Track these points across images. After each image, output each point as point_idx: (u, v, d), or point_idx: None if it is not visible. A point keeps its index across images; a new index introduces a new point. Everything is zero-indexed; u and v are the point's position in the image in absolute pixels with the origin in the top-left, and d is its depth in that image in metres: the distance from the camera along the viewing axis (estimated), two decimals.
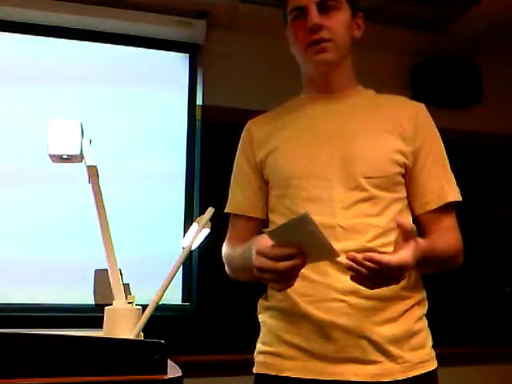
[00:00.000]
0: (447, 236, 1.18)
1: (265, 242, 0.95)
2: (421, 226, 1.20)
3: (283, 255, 0.92)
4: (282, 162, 1.20)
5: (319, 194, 1.14)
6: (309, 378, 1.09)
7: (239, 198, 1.29)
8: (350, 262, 0.92)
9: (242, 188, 1.29)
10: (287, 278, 0.94)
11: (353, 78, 1.29)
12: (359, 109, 1.23)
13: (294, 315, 1.13)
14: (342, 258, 0.96)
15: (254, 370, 1.21)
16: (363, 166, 1.14)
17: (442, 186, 1.19)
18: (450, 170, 1.23)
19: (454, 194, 1.20)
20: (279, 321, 1.16)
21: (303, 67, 1.28)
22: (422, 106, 1.25)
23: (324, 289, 1.07)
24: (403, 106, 1.25)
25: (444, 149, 1.23)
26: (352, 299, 1.07)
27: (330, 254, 0.93)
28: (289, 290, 1.10)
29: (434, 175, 1.19)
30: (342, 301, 1.08)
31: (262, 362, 1.18)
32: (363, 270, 0.91)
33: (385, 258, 0.92)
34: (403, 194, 1.19)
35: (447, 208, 1.20)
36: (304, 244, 0.91)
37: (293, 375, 1.10)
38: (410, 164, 1.18)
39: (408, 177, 1.19)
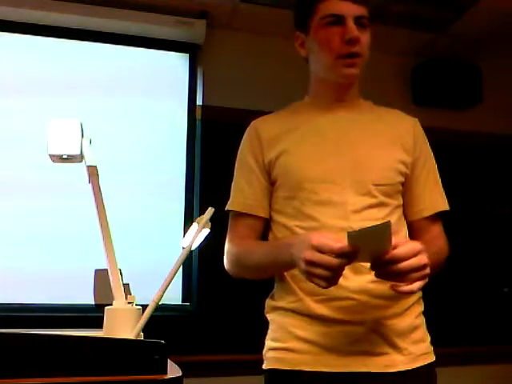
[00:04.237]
0: (438, 242, 1.26)
1: (320, 238, 0.97)
2: (414, 232, 1.28)
3: (341, 252, 0.94)
4: (294, 165, 1.23)
5: (331, 197, 1.18)
6: (321, 370, 1.13)
7: (248, 195, 1.28)
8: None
9: (252, 186, 1.28)
10: (336, 274, 0.96)
11: (358, 91, 1.34)
12: (364, 120, 1.28)
13: (305, 315, 1.17)
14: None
15: (265, 367, 1.23)
16: (373, 174, 1.20)
17: (435, 195, 1.29)
18: (440, 180, 1.31)
19: (444, 204, 1.30)
20: (290, 318, 1.19)
21: (322, 72, 1.28)
22: (417, 120, 1.34)
23: (335, 288, 1.08)
24: (401, 119, 1.33)
25: (434, 160, 1.32)
26: (363, 297, 1.13)
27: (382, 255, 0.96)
28: (298, 289, 1.17)
29: (428, 185, 1.28)
30: (354, 299, 1.13)
31: (274, 358, 1.20)
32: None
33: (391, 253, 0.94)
34: (401, 201, 1.27)
35: (437, 216, 1.29)
36: (364, 247, 0.93)
37: (306, 369, 1.14)
38: (409, 173, 1.26)
39: (405, 185, 1.26)
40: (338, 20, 1.20)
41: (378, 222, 1.15)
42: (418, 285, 0.97)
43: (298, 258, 1.01)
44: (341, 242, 0.94)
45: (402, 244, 0.96)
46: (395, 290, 0.97)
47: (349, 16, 1.20)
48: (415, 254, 0.95)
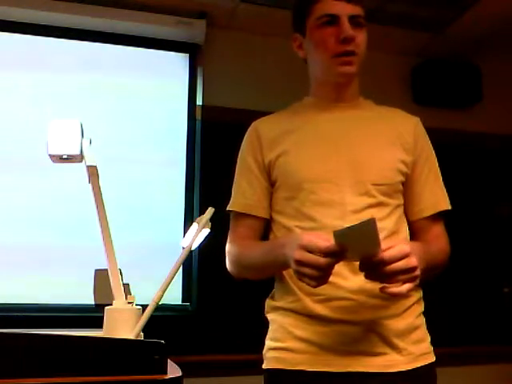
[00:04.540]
0: (439, 241, 1.26)
1: (310, 238, 1.00)
2: (415, 232, 1.28)
3: (329, 251, 0.95)
4: (293, 166, 1.23)
5: (330, 197, 1.19)
6: (320, 370, 1.13)
7: (248, 196, 1.29)
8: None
9: (252, 187, 1.29)
10: (325, 274, 0.98)
11: (358, 90, 1.34)
12: (364, 119, 1.28)
13: (304, 315, 1.17)
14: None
15: (265, 366, 1.23)
16: (372, 174, 1.20)
17: (437, 194, 1.29)
18: (442, 179, 1.31)
19: (446, 203, 1.29)
20: (290, 318, 1.20)
21: (320, 73, 1.29)
22: (418, 119, 1.34)
23: (334, 288, 1.11)
24: (402, 118, 1.33)
25: (436, 159, 1.32)
26: (361, 297, 1.13)
27: (371, 256, 0.96)
28: (297, 289, 1.17)
29: (429, 184, 1.28)
30: (352, 299, 1.13)
31: (273, 358, 1.21)
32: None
33: (379, 255, 0.95)
34: (402, 200, 1.26)
35: (439, 215, 1.28)
36: (352, 245, 0.94)
37: (306, 369, 1.14)
38: (410, 173, 1.26)
39: (406, 184, 1.26)
40: (333, 20, 1.21)
41: (378, 222, 1.16)
42: (407, 287, 0.97)
43: (289, 258, 1.03)
44: (331, 241, 0.95)
45: (392, 247, 0.97)
46: (384, 291, 0.98)
47: (343, 15, 1.21)
48: (403, 257, 0.96)
